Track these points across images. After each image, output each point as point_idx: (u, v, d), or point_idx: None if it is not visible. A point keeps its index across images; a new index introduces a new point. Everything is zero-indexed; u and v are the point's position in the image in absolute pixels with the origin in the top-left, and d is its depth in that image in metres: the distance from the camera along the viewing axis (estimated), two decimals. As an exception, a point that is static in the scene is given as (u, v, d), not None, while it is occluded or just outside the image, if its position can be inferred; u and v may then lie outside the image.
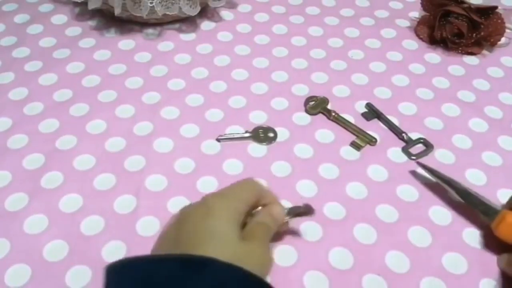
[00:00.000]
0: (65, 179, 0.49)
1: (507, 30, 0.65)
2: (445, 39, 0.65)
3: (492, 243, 0.45)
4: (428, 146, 0.54)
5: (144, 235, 0.45)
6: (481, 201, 0.45)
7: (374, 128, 0.56)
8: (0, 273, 0.42)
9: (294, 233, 0.45)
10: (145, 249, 0.39)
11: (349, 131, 0.55)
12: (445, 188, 0.48)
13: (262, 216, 0.40)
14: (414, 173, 0.51)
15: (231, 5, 0.73)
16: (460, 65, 0.65)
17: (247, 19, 0.71)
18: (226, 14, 0.72)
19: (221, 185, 0.49)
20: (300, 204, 0.44)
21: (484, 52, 0.66)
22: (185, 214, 0.38)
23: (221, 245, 0.35)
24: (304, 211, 0.43)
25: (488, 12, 0.63)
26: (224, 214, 0.37)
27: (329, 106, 0.58)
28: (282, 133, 0.55)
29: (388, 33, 0.69)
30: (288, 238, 0.45)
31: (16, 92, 0.59)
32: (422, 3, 0.68)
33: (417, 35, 0.69)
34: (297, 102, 0.58)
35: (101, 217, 0.46)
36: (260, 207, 0.41)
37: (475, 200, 0.46)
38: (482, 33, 0.63)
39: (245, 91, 0.60)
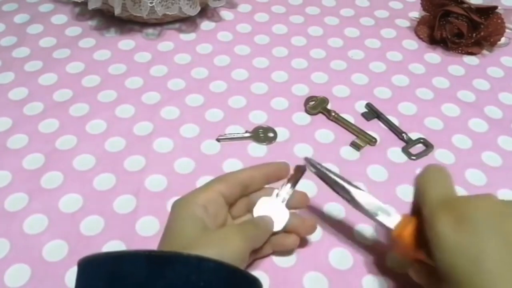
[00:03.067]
0: (65, 179, 0.49)
1: (507, 30, 0.65)
2: (445, 39, 0.65)
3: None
4: (428, 146, 0.54)
5: (144, 235, 0.45)
6: (379, 206, 0.40)
7: (374, 128, 0.56)
8: (0, 273, 0.42)
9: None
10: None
11: (349, 131, 0.55)
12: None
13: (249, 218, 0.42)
14: (414, 173, 0.51)
15: (231, 5, 0.73)
16: (460, 65, 0.65)
17: (247, 19, 0.71)
18: (226, 14, 0.72)
19: (221, 185, 0.49)
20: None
21: (484, 52, 0.66)
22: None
23: (174, 241, 0.36)
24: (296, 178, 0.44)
25: (488, 12, 0.63)
26: (180, 213, 0.38)
27: (329, 106, 0.58)
28: (282, 133, 0.55)
29: (388, 33, 0.69)
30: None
31: (16, 92, 0.59)
32: (422, 3, 0.68)
33: (417, 35, 0.69)
34: (297, 102, 0.58)
35: (101, 217, 0.46)
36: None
37: (371, 207, 0.40)
38: (482, 33, 0.63)
39: (245, 91, 0.60)
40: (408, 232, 0.37)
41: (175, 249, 0.34)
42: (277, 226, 0.42)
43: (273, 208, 0.42)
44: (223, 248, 0.35)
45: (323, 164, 0.42)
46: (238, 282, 0.34)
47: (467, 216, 0.32)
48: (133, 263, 0.33)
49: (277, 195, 0.43)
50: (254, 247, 0.39)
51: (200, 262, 0.33)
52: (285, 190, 0.43)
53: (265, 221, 0.41)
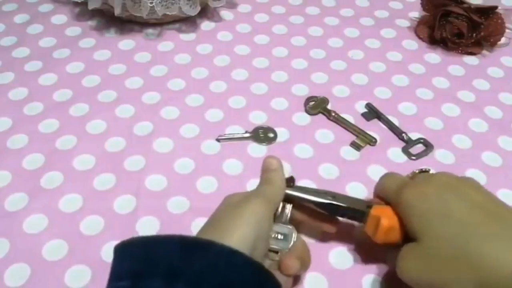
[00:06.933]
0: (65, 179, 0.49)
1: (507, 30, 0.65)
2: (445, 39, 0.65)
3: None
4: (428, 146, 0.54)
5: (144, 235, 0.45)
6: (350, 202, 0.41)
7: (374, 128, 0.56)
8: (0, 273, 0.42)
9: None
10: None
11: (349, 131, 0.55)
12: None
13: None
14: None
15: (231, 5, 0.73)
16: (460, 65, 0.65)
17: (247, 19, 0.71)
18: (226, 14, 0.72)
19: (221, 185, 0.49)
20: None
21: (484, 52, 0.66)
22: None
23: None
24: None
25: (488, 12, 0.63)
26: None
27: (329, 106, 0.58)
28: (282, 133, 0.55)
29: (388, 33, 0.69)
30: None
31: (16, 92, 0.59)
32: (422, 3, 0.68)
33: (417, 35, 0.69)
34: (297, 102, 0.58)
35: (101, 217, 0.46)
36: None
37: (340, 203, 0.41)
38: (482, 33, 0.64)
39: (245, 91, 0.60)
40: (383, 229, 0.39)
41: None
42: (286, 245, 0.39)
43: (277, 229, 0.40)
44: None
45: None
46: (262, 282, 0.34)
47: (428, 187, 0.37)
48: (168, 247, 0.33)
49: (275, 216, 0.40)
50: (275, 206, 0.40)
51: (232, 254, 0.32)
52: (284, 208, 0.41)
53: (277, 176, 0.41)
